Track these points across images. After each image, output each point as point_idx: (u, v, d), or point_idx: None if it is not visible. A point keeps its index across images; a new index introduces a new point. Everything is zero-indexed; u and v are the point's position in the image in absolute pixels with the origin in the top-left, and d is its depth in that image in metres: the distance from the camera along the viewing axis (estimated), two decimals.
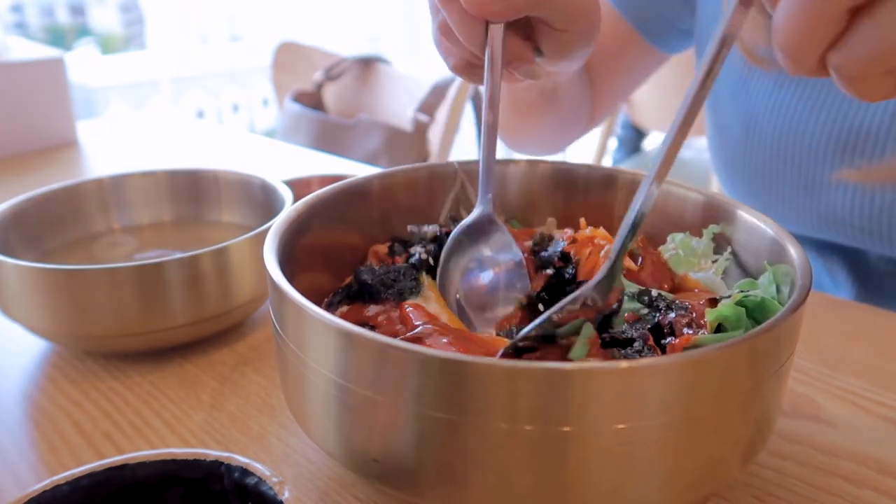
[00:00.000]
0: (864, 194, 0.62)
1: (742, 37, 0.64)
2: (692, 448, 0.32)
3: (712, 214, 0.46)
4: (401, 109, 1.53)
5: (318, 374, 0.34)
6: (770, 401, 0.35)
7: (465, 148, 2.61)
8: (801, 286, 0.36)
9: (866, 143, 0.60)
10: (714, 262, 0.45)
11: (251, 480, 0.30)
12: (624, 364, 0.29)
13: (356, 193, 0.48)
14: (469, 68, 0.47)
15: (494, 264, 0.45)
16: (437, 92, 1.48)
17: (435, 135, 1.50)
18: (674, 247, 0.46)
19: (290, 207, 0.44)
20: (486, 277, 0.44)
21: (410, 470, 0.33)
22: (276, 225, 0.42)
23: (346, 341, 0.32)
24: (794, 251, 0.39)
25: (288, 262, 0.40)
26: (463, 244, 0.45)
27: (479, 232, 0.45)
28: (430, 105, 1.48)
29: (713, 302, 0.41)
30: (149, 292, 0.50)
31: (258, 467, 0.30)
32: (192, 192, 0.68)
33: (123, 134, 1.24)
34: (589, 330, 0.36)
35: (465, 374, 0.30)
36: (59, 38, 3.31)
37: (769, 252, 0.42)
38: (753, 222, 0.43)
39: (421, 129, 1.47)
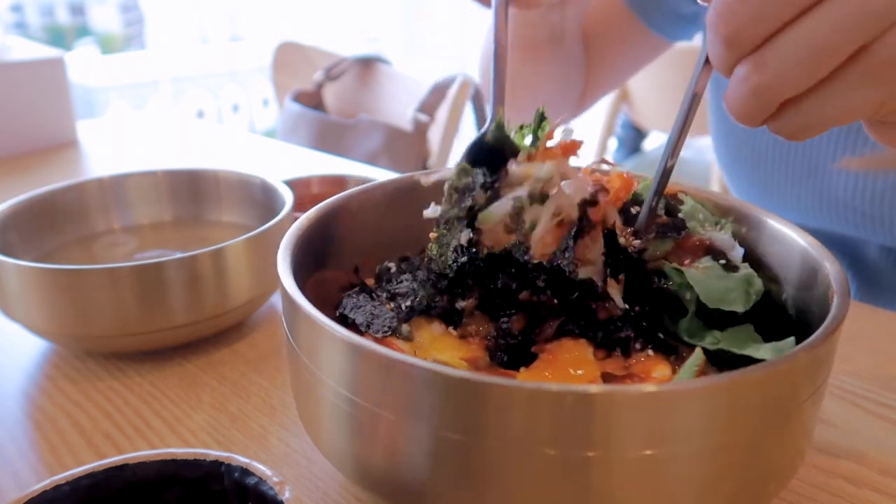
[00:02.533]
0: (865, 178, 0.62)
1: None
2: (724, 476, 0.30)
3: (739, 221, 0.44)
4: (401, 109, 1.53)
5: (328, 388, 0.33)
6: (807, 422, 0.33)
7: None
8: (840, 303, 0.33)
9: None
10: (718, 224, 0.44)
11: (251, 480, 0.30)
12: (652, 387, 0.28)
13: (368, 199, 0.47)
14: None
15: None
16: (437, 92, 1.48)
17: (435, 135, 1.50)
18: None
19: (304, 214, 0.43)
20: None
21: (421, 492, 0.31)
22: (290, 232, 0.40)
23: (358, 356, 0.31)
24: (829, 265, 0.37)
25: (301, 270, 0.38)
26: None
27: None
28: (430, 105, 1.48)
29: None
30: (149, 292, 0.50)
31: (258, 467, 0.30)
32: (192, 192, 0.68)
33: (123, 134, 1.24)
34: (699, 358, 0.36)
35: (482, 394, 0.28)
36: (59, 38, 3.31)
37: (800, 260, 0.39)
38: (782, 230, 0.41)
39: (421, 129, 1.47)
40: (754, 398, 0.29)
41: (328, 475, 0.42)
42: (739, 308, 0.38)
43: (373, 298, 0.42)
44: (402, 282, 0.43)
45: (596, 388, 0.28)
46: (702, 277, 0.39)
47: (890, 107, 0.32)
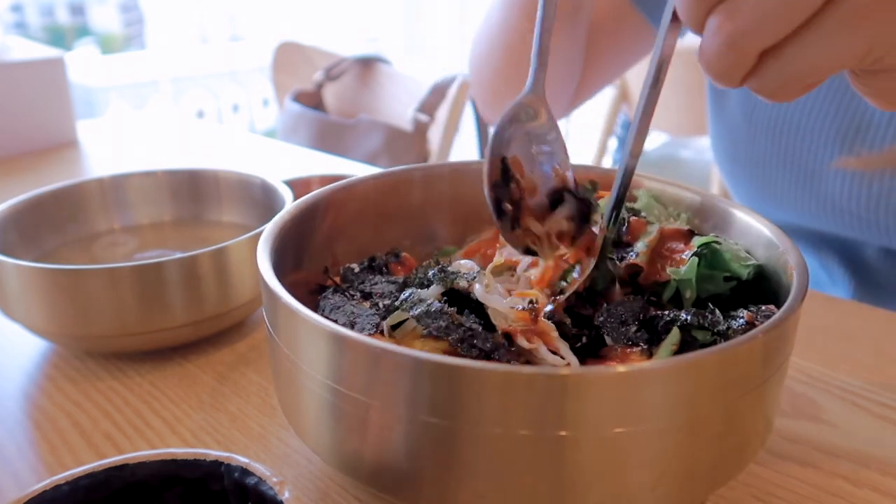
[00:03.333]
0: (862, 181, 0.62)
1: None
2: (691, 452, 0.32)
3: (707, 214, 0.46)
4: (401, 109, 1.53)
5: (310, 378, 0.34)
6: (769, 402, 0.35)
7: (466, 148, 2.61)
8: (799, 285, 0.35)
9: (868, 130, 0.60)
10: (673, 218, 0.45)
11: (251, 480, 0.30)
12: (621, 368, 0.29)
13: (351, 194, 0.48)
14: None
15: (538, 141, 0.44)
16: (437, 92, 1.48)
17: (435, 135, 1.50)
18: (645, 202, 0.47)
19: (284, 209, 0.44)
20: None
21: (404, 475, 0.33)
22: (270, 226, 0.41)
23: (337, 344, 0.32)
24: (791, 252, 0.39)
25: (282, 265, 0.39)
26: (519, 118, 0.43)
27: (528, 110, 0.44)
28: (430, 105, 1.48)
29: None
30: (149, 292, 0.50)
31: (258, 467, 0.30)
32: (192, 192, 0.68)
33: (123, 134, 1.24)
34: (675, 337, 0.36)
35: (459, 378, 0.30)
36: (59, 38, 3.31)
37: (766, 251, 0.41)
38: (749, 222, 0.43)
39: (421, 129, 1.47)
40: (717, 377, 0.31)
41: (328, 475, 0.42)
42: (743, 275, 0.40)
43: (348, 298, 0.43)
44: (375, 283, 0.44)
45: (567, 369, 0.29)
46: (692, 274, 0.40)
47: (876, 53, 0.30)
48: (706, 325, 0.37)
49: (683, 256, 0.41)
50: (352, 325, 0.40)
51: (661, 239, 0.43)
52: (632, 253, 0.42)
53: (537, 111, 0.42)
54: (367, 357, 0.31)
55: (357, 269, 0.45)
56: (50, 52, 1.10)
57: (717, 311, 0.38)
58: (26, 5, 3.24)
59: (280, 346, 0.36)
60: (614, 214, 0.40)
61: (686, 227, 0.43)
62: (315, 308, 0.43)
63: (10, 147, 1.06)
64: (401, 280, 0.44)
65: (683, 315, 0.37)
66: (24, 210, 0.60)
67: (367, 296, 0.43)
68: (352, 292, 0.44)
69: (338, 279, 0.46)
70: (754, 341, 0.31)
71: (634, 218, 0.44)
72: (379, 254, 0.47)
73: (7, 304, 0.52)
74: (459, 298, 0.39)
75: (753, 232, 0.42)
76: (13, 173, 1.00)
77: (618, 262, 0.42)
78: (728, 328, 0.37)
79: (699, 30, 0.32)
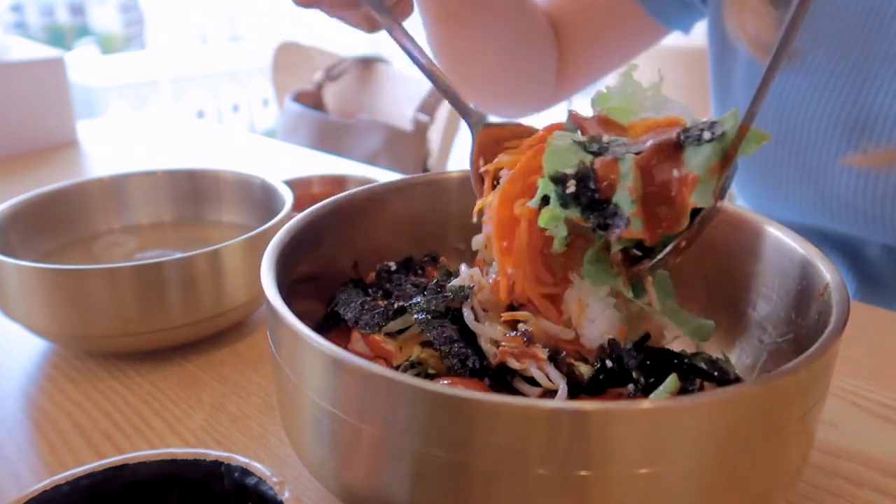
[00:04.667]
0: (868, 177, 0.62)
1: (745, 27, 0.64)
2: (722, 493, 0.29)
3: (738, 229, 0.43)
4: (401, 109, 1.53)
5: (310, 400, 0.32)
6: (806, 435, 0.32)
7: (466, 148, 2.61)
8: (839, 313, 0.32)
9: (874, 127, 0.60)
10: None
11: (251, 480, 0.30)
12: (647, 404, 0.27)
13: (355, 205, 0.47)
14: (370, 20, 0.50)
15: None
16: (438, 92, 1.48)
17: (435, 135, 1.50)
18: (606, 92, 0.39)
19: (289, 222, 0.42)
20: None
21: None
22: (274, 241, 0.39)
23: (339, 369, 0.30)
24: (827, 273, 0.36)
25: (286, 277, 0.38)
26: None
27: None
28: (430, 105, 1.48)
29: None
30: (149, 292, 0.50)
31: (258, 467, 0.30)
32: (192, 192, 0.68)
33: (123, 134, 1.24)
34: (674, 384, 0.34)
35: (469, 411, 0.27)
36: (59, 38, 3.31)
37: (799, 272, 0.38)
38: (782, 240, 0.40)
39: (421, 129, 1.47)
40: (752, 413, 0.28)
41: None
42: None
43: (367, 294, 0.42)
44: (401, 283, 0.43)
45: (591, 405, 0.27)
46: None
47: None
48: (715, 374, 0.35)
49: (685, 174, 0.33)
50: (356, 322, 0.40)
51: (645, 172, 0.34)
52: (618, 220, 0.34)
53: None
54: (370, 384, 0.29)
55: (393, 268, 0.45)
56: (50, 52, 1.10)
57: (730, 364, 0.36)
58: (26, 5, 3.24)
59: (282, 367, 0.34)
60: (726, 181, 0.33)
61: (670, 137, 0.34)
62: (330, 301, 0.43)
63: (10, 147, 1.06)
64: (424, 284, 0.43)
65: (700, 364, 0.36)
66: (24, 210, 0.60)
67: (387, 294, 0.43)
68: (375, 289, 0.43)
69: (373, 275, 0.45)
70: (796, 374, 0.29)
71: (600, 159, 0.35)
72: (417, 255, 0.47)
73: (7, 304, 0.52)
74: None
75: (786, 250, 0.39)
76: (13, 173, 1.00)
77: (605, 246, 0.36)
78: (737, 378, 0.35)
79: None
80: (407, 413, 0.28)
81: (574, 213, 0.34)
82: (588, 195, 0.34)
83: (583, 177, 0.34)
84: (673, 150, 0.34)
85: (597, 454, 0.27)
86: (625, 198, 0.34)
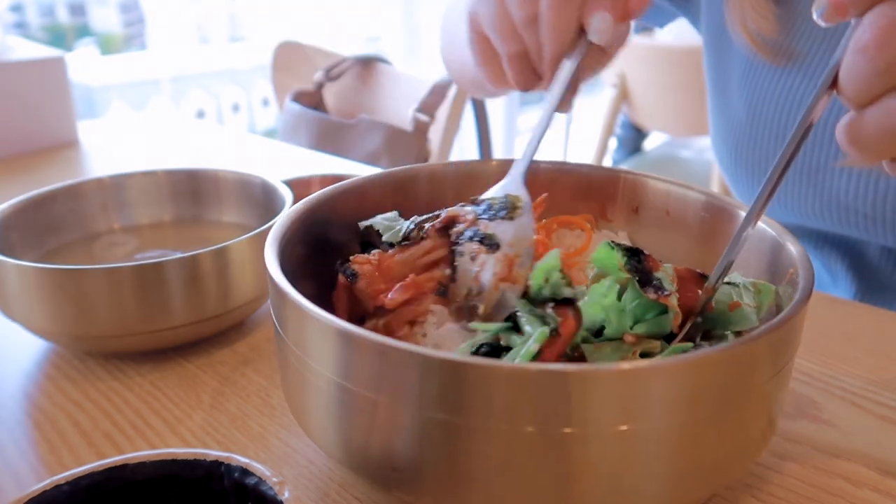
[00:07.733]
0: (868, 179, 0.62)
1: (747, 25, 0.64)
2: (695, 449, 0.32)
3: (713, 213, 0.46)
4: (401, 109, 1.53)
5: (318, 375, 0.34)
6: (772, 402, 0.35)
7: (466, 148, 2.61)
8: (804, 287, 0.35)
9: None
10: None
11: (251, 480, 0.30)
12: (626, 365, 0.29)
13: (356, 193, 0.48)
14: (522, 61, 0.48)
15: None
16: (437, 92, 1.48)
17: (435, 135, 1.50)
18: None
19: (290, 208, 0.44)
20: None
21: (410, 471, 0.33)
22: (277, 225, 0.42)
23: (345, 342, 0.32)
24: (794, 250, 0.39)
25: (289, 262, 0.39)
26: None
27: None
28: (430, 105, 1.48)
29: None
30: (149, 292, 0.50)
31: (258, 467, 0.30)
32: (192, 192, 0.68)
33: (123, 134, 1.24)
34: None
35: (465, 375, 0.30)
36: (59, 38, 3.31)
37: (770, 251, 0.41)
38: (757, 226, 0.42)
39: (421, 129, 1.47)
40: (722, 375, 0.31)
41: (328, 475, 0.42)
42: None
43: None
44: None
45: (572, 366, 0.29)
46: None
47: None
48: None
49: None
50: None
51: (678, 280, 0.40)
52: (664, 292, 0.38)
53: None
54: (374, 353, 0.31)
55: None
56: (50, 52, 1.10)
57: None
58: (26, 5, 3.24)
59: (287, 343, 0.36)
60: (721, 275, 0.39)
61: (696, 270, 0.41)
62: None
63: (10, 147, 1.06)
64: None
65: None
66: (24, 210, 0.60)
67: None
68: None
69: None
70: (760, 341, 0.31)
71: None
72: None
73: (7, 304, 0.52)
74: None
75: (757, 232, 0.42)
76: (13, 173, 1.00)
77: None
78: None
79: (862, 106, 0.32)
80: (409, 379, 0.31)
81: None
82: None
83: None
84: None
85: (578, 412, 0.30)
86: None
